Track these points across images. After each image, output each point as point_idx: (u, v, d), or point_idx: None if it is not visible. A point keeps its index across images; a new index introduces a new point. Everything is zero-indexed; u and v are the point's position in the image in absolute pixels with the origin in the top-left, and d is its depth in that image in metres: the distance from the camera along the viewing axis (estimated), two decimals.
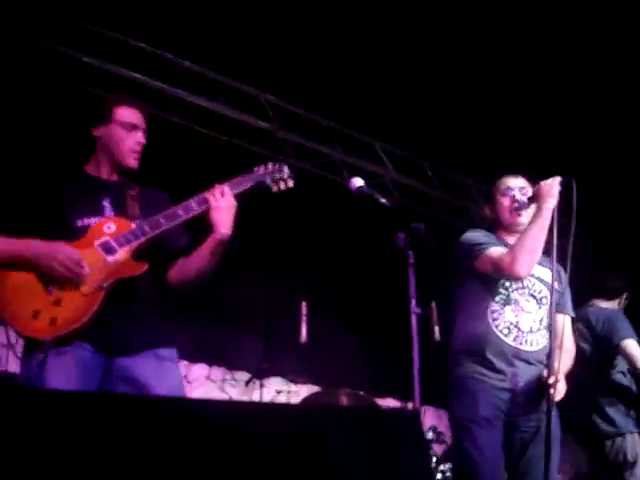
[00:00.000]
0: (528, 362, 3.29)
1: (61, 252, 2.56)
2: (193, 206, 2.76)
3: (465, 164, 7.07)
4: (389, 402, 7.13)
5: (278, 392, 7.08)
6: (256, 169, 2.91)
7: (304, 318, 5.41)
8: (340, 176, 6.64)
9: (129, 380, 2.58)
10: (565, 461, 7.21)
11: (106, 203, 2.80)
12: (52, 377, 2.46)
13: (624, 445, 4.35)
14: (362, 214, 3.78)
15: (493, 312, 3.31)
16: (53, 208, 2.73)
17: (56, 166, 2.99)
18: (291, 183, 2.92)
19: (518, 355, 3.27)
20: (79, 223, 2.72)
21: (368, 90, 6.11)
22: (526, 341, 3.30)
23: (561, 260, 3.19)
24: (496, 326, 3.28)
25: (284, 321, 5.84)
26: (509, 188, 3.46)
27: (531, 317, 3.34)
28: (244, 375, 6.74)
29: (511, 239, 3.40)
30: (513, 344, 3.27)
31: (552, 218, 3.16)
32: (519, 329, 3.30)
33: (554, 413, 3.15)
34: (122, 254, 2.64)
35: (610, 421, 4.43)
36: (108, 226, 2.72)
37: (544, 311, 3.36)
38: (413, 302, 2.48)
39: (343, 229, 6.49)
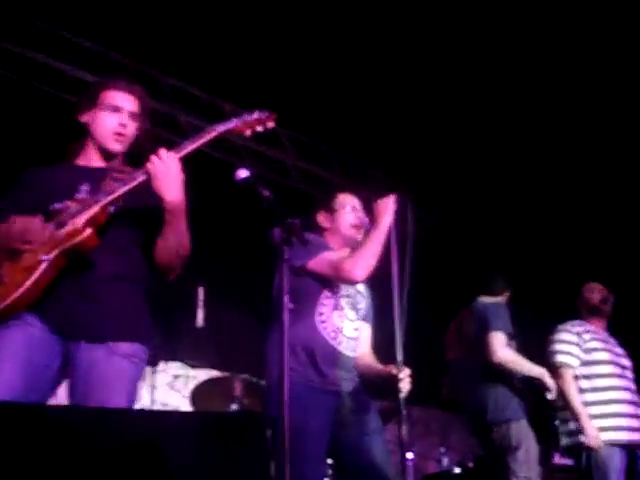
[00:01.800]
0: (348, 368, 3.36)
1: (15, 223, 2.50)
2: (138, 176, 2.60)
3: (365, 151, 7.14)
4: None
5: (176, 377, 7.02)
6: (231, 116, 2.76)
7: (201, 303, 5.39)
8: (240, 159, 6.62)
9: (88, 361, 2.45)
10: (459, 442, 7.46)
11: (84, 187, 2.65)
12: None
13: (510, 431, 4.51)
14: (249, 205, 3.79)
15: (321, 315, 3.34)
16: (36, 198, 2.62)
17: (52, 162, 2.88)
18: (271, 124, 2.77)
19: (341, 359, 3.32)
20: (51, 207, 2.58)
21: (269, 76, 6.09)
22: (348, 346, 3.37)
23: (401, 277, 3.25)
24: (324, 329, 3.32)
25: (181, 306, 5.81)
26: (355, 207, 3.59)
27: (352, 325, 3.43)
28: None
29: (342, 251, 3.48)
30: (339, 348, 3.33)
31: (390, 234, 3.28)
32: (344, 335, 3.36)
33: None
34: (71, 225, 2.49)
35: (497, 408, 4.59)
36: (69, 207, 2.57)
37: (360, 322, 3.49)
38: (286, 298, 2.49)
39: (238, 215, 6.47)
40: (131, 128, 2.79)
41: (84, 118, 2.80)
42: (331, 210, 3.60)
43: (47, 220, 2.54)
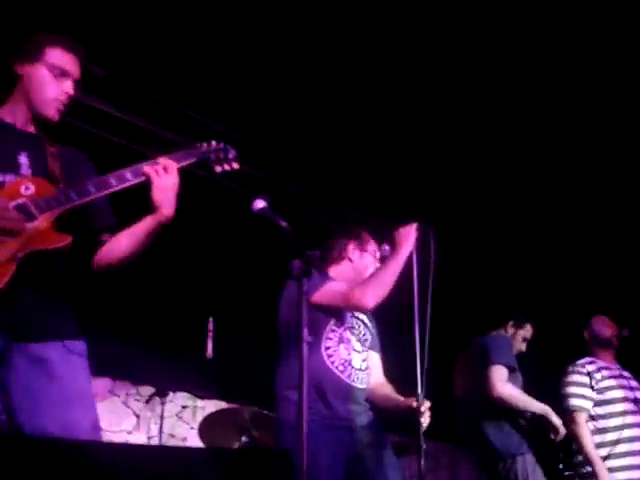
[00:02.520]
0: (359, 400, 3.32)
1: None
2: (128, 176, 2.41)
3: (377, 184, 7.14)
4: None
5: (184, 407, 6.99)
6: (199, 145, 2.61)
7: (210, 334, 5.37)
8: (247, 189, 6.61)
9: (40, 362, 2.24)
10: (468, 477, 7.39)
11: (23, 159, 2.40)
12: None
13: (515, 466, 4.45)
14: (264, 234, 3.79)
15: (327, 349, 3.30)
16: None
17: None
18: (236, 165, 2.66)
19: (351, 393, 3.28)
20: None
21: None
22: (358, 378, 3.34)
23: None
24: (332, 362, 3.28)
25: (191, 337, 5.78)
26: (376, 256, 3.60)
27: (360, 357, 3.40)
28: (149, 390, 6.63)
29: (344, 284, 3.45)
30: (348, 381, 3.29)
31: (411, 262, 3.26)
32: (352, 367, 3.33)
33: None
34: (42, 221, 2.27)
35: (500, 444, 4.53)
36: (26, 187, 2.33)
37: (366, 353, 3.46)
38: (305, 331, 2.47)
39: (249, 246, 6.47)
40: (73, 96, 2.53)
41: (21, 70, 2.48)
42: (363, 249, 3.63)
43: None
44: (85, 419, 2.31)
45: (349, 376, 3.30)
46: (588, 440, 4.59)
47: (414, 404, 3.14)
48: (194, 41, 5.15)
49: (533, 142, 6.29)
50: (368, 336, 3.53)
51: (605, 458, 4.57)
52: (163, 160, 2.45)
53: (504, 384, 4.49)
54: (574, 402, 4.71)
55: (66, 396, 2.26)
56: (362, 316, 3.53)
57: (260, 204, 2.88)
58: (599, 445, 4.63)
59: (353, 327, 3.44)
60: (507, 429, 4.54)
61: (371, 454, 3.23)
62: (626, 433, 4.65)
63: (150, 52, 5.17)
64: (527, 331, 4.99)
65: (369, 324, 3.57)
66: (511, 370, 4.59)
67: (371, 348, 3.56)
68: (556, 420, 4.47)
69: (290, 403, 3.06)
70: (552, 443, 4.51)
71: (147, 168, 2.42)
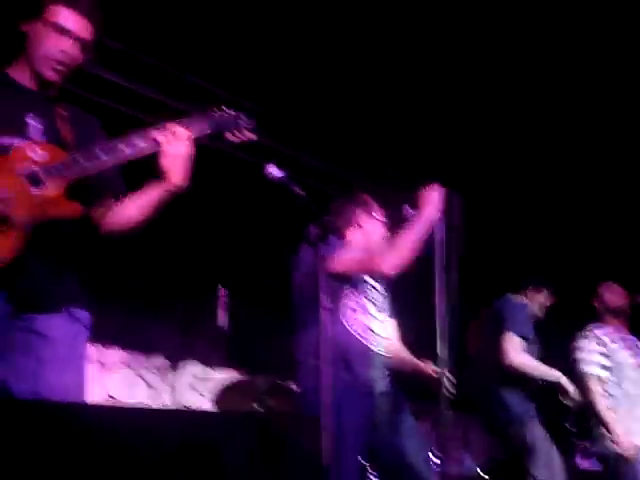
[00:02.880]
0: (379, 366, 3.31)
1: None
2: (139, 144, 2.31)
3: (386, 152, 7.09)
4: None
5: (196, 377, 7.00)
6: (211, 113, 2.46)
7: (223, 304, 5.37)
8: (261, 159, 6.57)
9: (43, 332, 2.21)
10: (477, 444, 7.41)
11: (31, 121, 2.31)
12: None
13: (523, 431, 4.46)
14: (278, 202, 3.75)
15: (348, 316, 3.28)
16: None
17: None
18: (252, 136, 2.53)
19: (373, 359, 3.27)
20: None
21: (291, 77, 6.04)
22: (378, 344, 3.33)
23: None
24: (354, 330, 3.26)
25: (203, 306, 5.79)
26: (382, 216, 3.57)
27: (378, 322, 3.38)
28: (161, 360, 6.64)
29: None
30: (370, 347, 3.27)
31: (433, 230, 3.21)
32: (374, 333, 3.31)
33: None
34: (51, 189, 2.20)
35: (509, 408, 4.54)
36: (34, 151, 2.24)
37: (383, 318, 3.43)
38: (323, 297, 2.44)
39: (260, 214, 6.44)
40: (75, 57, 2.41)
41: (26, 27, 2.39)
42: (371, 215, 3.58)
43: None
44: (76, 384, 2.29)
45: (370, 342, 3.29)
46: (602, 404, 4.64)
47: (435, 372, 3.13)
48: (204, 8, 5.09)
49: (558, 105, 6.22)
50: (382, 301, 3.51)
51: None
52: (175, 126, 2.34)
53: (518, 353, 4.51)
54: (585, 368, 4.75)
55: (59, 358, 2.24)
56: (372, 281, 3.48)
57: (274, 170, 2.84)
58: (614, 409, 4.67)
59: (369, 293, 3.41)
60: (518, 394, 4.56)
61: (390, 420, 3.24)
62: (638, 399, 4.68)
63: (159, 20, 5.12)
64: (545, 298, 4.98)
65: (380, 288, 3.52)
66: (526, 339, 4.58)
67: (388, 315, 3.55)
68: (569, 387, 4.49)
69: (310, 370, 3.04)
70: (563, 408, 4.52)
71: (158, 135, 2.33)
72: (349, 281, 3.31)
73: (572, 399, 4.51)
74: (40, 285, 2.25)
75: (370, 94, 6.14)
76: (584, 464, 5.54)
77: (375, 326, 3.35)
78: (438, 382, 3.11)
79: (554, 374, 4.55)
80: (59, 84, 2.45)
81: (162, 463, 1.31)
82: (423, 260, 3.16)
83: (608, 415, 4.60)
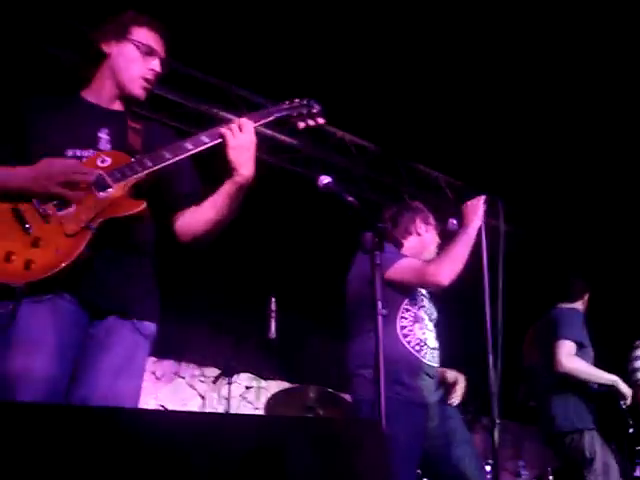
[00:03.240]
0: (433, 378, 3.29)
1: (53, 165, 2.18)
2: (204, 139, 2.36)
3: (434, 159, 7.08)
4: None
5: (248, 388, 7.03)
6: (280, 104, 2.55)
7: (273, 314, 5.37)
8: (310, 171, 6.61)
9: (101, 342, 2.22)
10: (533, 454, 7.31)
11: (103, 135, 2.38)
12: (23, 328, 2.09)
13: (582, 442, 4.37)
14: (330, 211, 3.76)
15: (403, 328, 3.25)
16: (40, 137, 2.31)
17: (47, 90, 2.57)
18: (321, 120, 2.57)
19: (426, 371, 3.25)
20: (69, 153, 2.31)
21: (337, 84, 6.07)
22: (432, 357, 3.30)
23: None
24: (408, 342, 3.23)
25: (254, 317, 5.80)
26: (437, 226, 3.59)
27: (432, 335, 3.36)
28: (214, 371, 6.68)
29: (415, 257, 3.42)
30: (424, 360, 3.25)
31: (480, 237, 3.20)
32: (427, 346, 3.29)
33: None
34: (117, 190, 2.23)
35: (567, 417, 4.46)
36: (102, 159, 2.30)
37: (436, 330, 3.41)
38: (379, 304, 2.43)
39: (312, 225, 6.46)
40: (159, 75, 2.52)
41: (108, 48, 2.48)
42: (428, 223, 3.59)
43: None
44: (130, 392, 2.29)
45: (424, 355, 3.27)
46: None
47: (449, 378, 3.13)
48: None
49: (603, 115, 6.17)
50: (435, 313, 3.49)
51: None
52: (238, 120, 2.38)
53: (570, 358, 4.41)
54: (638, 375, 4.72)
55: (116, 367, 2.24)
56: (425, 292, 3.48)
57: (326, 179, 2.84)
58: None
59: (424, 305, 3.40)
60: (575, 403, 4.47)
61: (444, 430, 3.21)
62: None
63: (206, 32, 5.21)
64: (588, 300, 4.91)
65: (431, 299, 3.52)
66: (580, 345, 4.50)
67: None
68: (625, 389, 4.42)
69: (366, 381, 3.04)
70: (621, 414, 4.44)
71: (223, 129, 2.37)
72: (406, 291, 3.29)
73: (627, 400, 4.43)
74: (108, 289, 2.26)
75: (414, 102, 6.14)
76: None
77: (430, 339, 3.33)
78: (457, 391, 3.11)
79: (610, 377, 4.46)
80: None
81: (224, 469, 1.31)
82: (471, 269, 3.14)
83: None
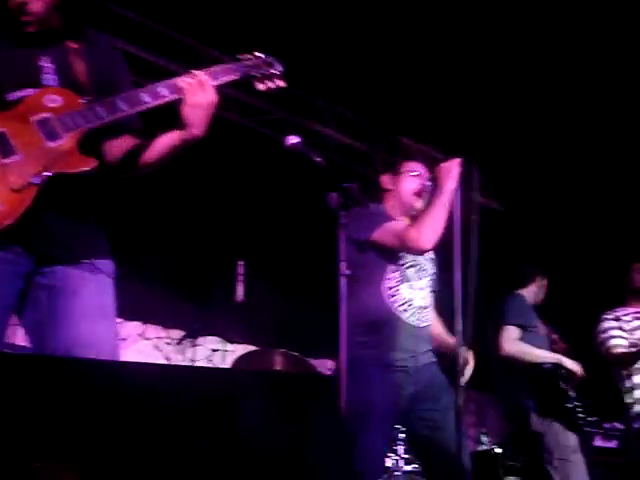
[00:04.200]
0: (421, 340, 3.28)
1: None
2: (163, 92, 2.21)
3: (408, 127, 7.05)
4: (326, 364, 7.13)
5: (214, 351, 7.02)
6: (242, 58, 2.41)
7: (241, 277, 5.35)
8: (279, 133, 6.55)
9: (64, 283, 2.13)
10: (497, 423, 7.40)
11: (45, 63, 2.19)
12: None
13: (529, 420, 4.51)
14: (297, 173, 3.73)
15: (389, 289, 3.24)
16: None
17: None
18: (282, 83, 2.43)
19: (414, 332, 3.23)
20: (11, 96, 2.12)
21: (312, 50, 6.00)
22: (420, 318, 3.28)
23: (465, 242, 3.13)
24: (393, 302, 3.22)
25: (221, 281, 5.78)
26: (420, 174, 3.47)
27: (422, 294, 3.34)
28: (179, 334, 6.65)
29: (400, 217, 3.39)
30: (410, 321, 3.23)
31: (453, 199, 3.14)
32: (414, 306, 3.27)
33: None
34: (67, 141, 2.08)
35: (513, 399, 4.65)
36: (51, 98, 2.11)
37: (430, 289, 3.40)
38: (343, 264, 2.42)
39: (280, 189, 6.42)
40: None
41: None
42: (395, 173, 3.52)
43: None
44: (107, 333, 2.22)
45: (411, 316, 3.25)
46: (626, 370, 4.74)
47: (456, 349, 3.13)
48: None
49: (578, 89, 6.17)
50: (431, 270, 3.45)
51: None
52: (199, 74, 2.25)
53: (512, 342, 4.57)
54: (608, 343, 4.80)
55: (88, 312, 2.16)
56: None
57: (294, 139, 2.81)
58: (631, 388, 4.73)
59: (415, 265, 3.36)
60: (518, 385, 4.60)
61: (430, 395, 3.20)
62: None
63: None
64: (546, 283, 5.03)
65: (424, 259, 3.44)
66: (523, 328, 4.64)
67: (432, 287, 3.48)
68: (571, 364, 4.52)
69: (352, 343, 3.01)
70: (561, 391, 4.53)
71: (182, 83, 2.24)
72: (392, 252, 3.27)
73: (577, 375, 4.52)
74: (57, 237, 2.16)
75: (389, 66, 6.10)
76: (602, 444, 5.55)
77: (418, 299, 3.30)
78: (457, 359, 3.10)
79: (553, 356, 4.62)
80: (51, 15, 2.25)
81: (177, 419, 1.30)
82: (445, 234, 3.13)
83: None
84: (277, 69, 2.43)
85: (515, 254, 6.72)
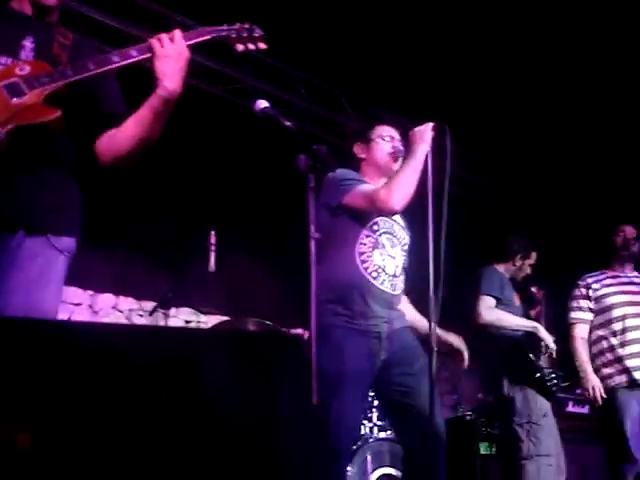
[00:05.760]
0: (392, 307, 3.28)
1: None
2: (132, 53, 2.24)
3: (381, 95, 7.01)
4: (301, 333, 7.13)
5: (187, 322, 6.99)
6: (220, 26, 2.42)
7: (212, 247, 5.31)
8: (250, 101, 6.48)
9: (14, 252, 2.12)
10: (471, 390, 7.46)
11: (27, 43, 2.27)
12: None
13: (500, 386, 4.63)
14: (268, 139, 3.68)
15: (361, 254, 3.23)
16: None
17: None
18: (262, 45, 2.44)
19: (384, 299, 3.23)
20: None
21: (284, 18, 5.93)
22: (391, 285, 3.27)
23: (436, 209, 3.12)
24: (365, 269, 3.20)
25: (192, 251, 5.74)
26: (391, 136, 3.47)
27: (394, 262, 3.32)
28: (152, 305, 6.60)
29: (379, 182, 3.38)
30: (381, 287, 3.23)
31: (426, 164, 3.16)
32: (386, 273, 3.26)
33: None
34: (31, 97, 2.11)
35: (487, 368, 4.77)
36: (21, 68, 2.19)
37: (404, 257, 3.39)
38: (312, 227, 2.39)
39: (251, 157, 6.37)
40: None
41: None
42: (367, 140, 3.50)
43: None
44: (47, 304, 2.20)
45: (382, 282, 3.23)
46: (578, 351, 4.78)
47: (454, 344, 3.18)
48: None
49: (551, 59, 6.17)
50: (407, 240, 3.45)
51: (611, 362, 4.72)
52: (169, 33, 2.27)
53: (489, 310, 4.62)
54: (571, 315, 4.89)
55: (28, 284, 2.14)
56: (399, 219, 3.44)
57: (262, 104, 2.77)
58: (600, 352, 4.77)
59: (388, 232, 3.34)
60: (491, 354, 4.65)
61: (404, 360, 3.20)
62: (629, 336, 4.73)
63: None
64: (533, 259, 5.05)
65: (398, 226, 3.45)
66: (498, 301, 4.70)
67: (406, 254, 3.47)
68: (545, 335, 4.57)
69: (324, 309, 2.97)
70: (530, 361, 4.58)
71: (152, 39, 2.26)
72: (364, 218, 3.26)
73: (549, 347, 4.58)
74: (18, 200, 2.16)
75: (362, 32, 6.04)
76: (574, 409, 5.61)
77: (389, 266, 3.28)
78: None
79: (530, 324, 4.68)
80: (57, 9, 2.40)
81: (139, 379, 1.27)
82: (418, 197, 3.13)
83: (583, 363, 4.75)
84: (257, 32, 2.43)
85: (504, 226, 6.77)
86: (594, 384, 4.65)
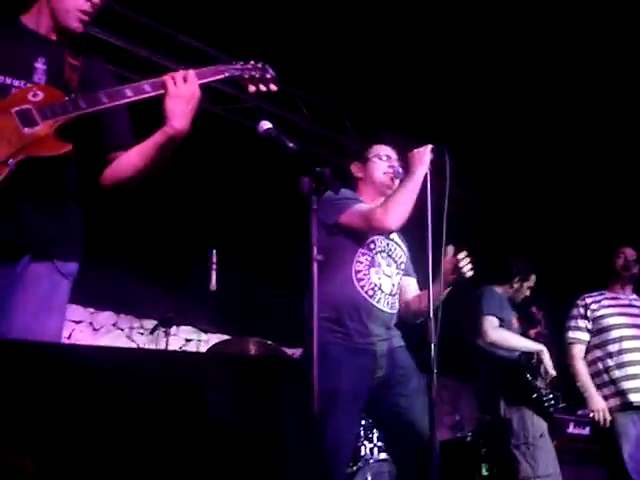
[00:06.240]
0: (388, 325, 3.28)
1: None
2: (145, 88, 2.28)
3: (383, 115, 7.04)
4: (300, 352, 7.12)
5: (188, 341, 6.99)
6: (234, 63, 2.48)
7: (214, 266, 5.31)
8: (253, 121, 6.52)
9: (22, 278, 2.14)
10: (472, 410, 7.44)
11: (39, 65, 2.27)
12: None
13: (498, 408, 4.56)
14: (270, 160, 3.70)
15: (358, 272, 3.23)
16: None
17: None
18: (273, 87, 2.51)
19: (380, 317, 3.23)
20: (0, 79, 2.21)
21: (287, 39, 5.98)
22: (387, 303, 3.28)
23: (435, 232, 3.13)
24: (362, 287, 3.21)
25: (193, 270, 5.75)
26: (388, 155, 3.49)
27: (390, 280, 3.33)
28: (152, 323, 6.59)
29: (376, 201, 3.39)
30: (377, 306, 3.23)
31: (425, 185, 3.17)
32: (382, 291, 3.26)
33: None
34: (43, 128, 2.13)
35: (485, 389, 4.70)
36: (35, 94, 2.19)
37: (399, 276, 3.40)
38: (315, 249, 2.40)
39: (253, 177, 6.39)
40: (98, 6, 2.38)
41: None
42: (364, 159, 3.52)
43: None
44: (52, 328, 2.22)
45: (378, 301, 3.23)
46: (579, 370, 4.80)
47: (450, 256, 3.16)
48: None
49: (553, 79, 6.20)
50: (404, 259, 3.46)
51: (606, 384, 4.74)
52: (184, 71, 2.30)
53: (495, 329, 4.59)
54: (569, 334, 4.92)
55: (34, 308, 2.16)
56: (397, 238, 3.45)
57: (266, 125, 2.77)
58: (596, 374, 4.80)
59: (385, 251, 3.36)
60: (491, 375, 4.63)
61: (399, 379, 3.19)
62: (626, 357, 4.74)
63: None
64: (532, 281, 5.04)
65: (403, 246, 3.48)
66: (501, 320, 4.67)
67: (407, 273, 3.50)
68: (548, 361, 4.56)
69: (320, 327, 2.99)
70: (527, 382, 4.56)
71: (166, 77, 2.29)
72: (361, 236, 3.27)
73: (548, 373, 4.56)
74: (26, 227, 2.17)
75: (364, 54, 6.08)
76: (575, 430, 5.59)
77: (386, 284, 3.29)
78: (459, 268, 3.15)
79: (536, 346, 4.64)
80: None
81: (142, 403, 1.27)
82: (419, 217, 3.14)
83: (585, 382, 4.76)
84: (269, 73, 2.50)
85: (503, 248, 6.78)
86: (599, 407, 4.64)
